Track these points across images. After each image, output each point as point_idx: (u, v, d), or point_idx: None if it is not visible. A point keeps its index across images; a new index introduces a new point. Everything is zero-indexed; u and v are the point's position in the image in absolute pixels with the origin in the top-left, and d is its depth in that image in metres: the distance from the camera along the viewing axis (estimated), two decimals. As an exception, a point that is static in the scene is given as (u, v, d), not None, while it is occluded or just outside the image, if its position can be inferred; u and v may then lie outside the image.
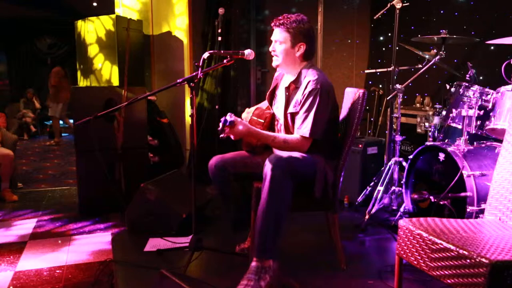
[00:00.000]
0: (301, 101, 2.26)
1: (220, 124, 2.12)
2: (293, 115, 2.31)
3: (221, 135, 2.14)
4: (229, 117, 2.14)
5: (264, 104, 2.65)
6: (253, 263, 2.10)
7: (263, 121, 2.50)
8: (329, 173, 2.29)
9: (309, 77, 2.25)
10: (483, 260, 1.37)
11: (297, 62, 2.34)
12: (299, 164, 2.20)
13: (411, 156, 2.97)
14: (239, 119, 2.20)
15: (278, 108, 2.47)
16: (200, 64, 2.30)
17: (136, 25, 3.92)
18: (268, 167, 2.08)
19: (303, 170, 2.22)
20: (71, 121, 8.06)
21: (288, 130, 2.36)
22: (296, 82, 2.32)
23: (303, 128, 2.24)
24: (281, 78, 2.52)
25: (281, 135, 2.35)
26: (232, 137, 2.21)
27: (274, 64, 2.37)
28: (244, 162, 2.50)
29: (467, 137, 2.74)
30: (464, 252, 1.44)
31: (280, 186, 2.06)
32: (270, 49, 2.36)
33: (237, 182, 2.49)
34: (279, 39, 2.30)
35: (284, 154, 2.21)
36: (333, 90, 2.31)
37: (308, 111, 2.23)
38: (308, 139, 2.25)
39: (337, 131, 2.48)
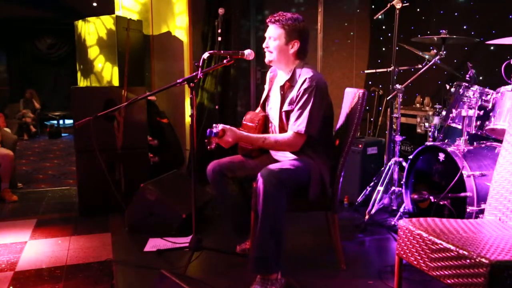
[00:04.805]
0: (296, 98, 2.24)
1: (207, 135, 2.09)
2: (288, 113, 2.28)
3: (209, 147, 2.12)
4: (215, 128, 2.11)
5: (258, 109, 2.64)
6: (259, 276, 2.10)
7: (254, 124, 2.47)
8: (325, 175, 2.28)
9: (304, 75, 2.24)
10: (483, 260, 1.37)
11: (291, 59, 2.30)
12: (291, 174, 2.15)
13: (411, 156, 2.96)
14: (227, 127, 2.17)
15: (272, 109, 2.45)
16: (200, 64, 2.30)
17: (136, 25, 3.91)
18: (260, 183, 2.05)
19: (297, 179, 2.19)
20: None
21: (283, 130, 2.33)
22: (291, 81, 2.30)
23: (297, 125, 2.21)
24: (275, 78, 2.50)
25: (272, 135, 2.34)
26: (223, 146, 2.19)
27: (267, 59, 2.34)
28: (242, 165, 2.48)
29: (467, 137, 2.74)
30: (464, 252, 1.44)
31: (273, 200, 2.04)
32: (264, 45, 2.33)
33: (236, 184, 2.48)
34: (273, 35, 2.28)
35: (276, 166, 2.15)
36: (327, 88, 2.29)
37: (303, 107, 2.21)
38: (302, 136, 2.23)
39: (332, 130, 2.47)
